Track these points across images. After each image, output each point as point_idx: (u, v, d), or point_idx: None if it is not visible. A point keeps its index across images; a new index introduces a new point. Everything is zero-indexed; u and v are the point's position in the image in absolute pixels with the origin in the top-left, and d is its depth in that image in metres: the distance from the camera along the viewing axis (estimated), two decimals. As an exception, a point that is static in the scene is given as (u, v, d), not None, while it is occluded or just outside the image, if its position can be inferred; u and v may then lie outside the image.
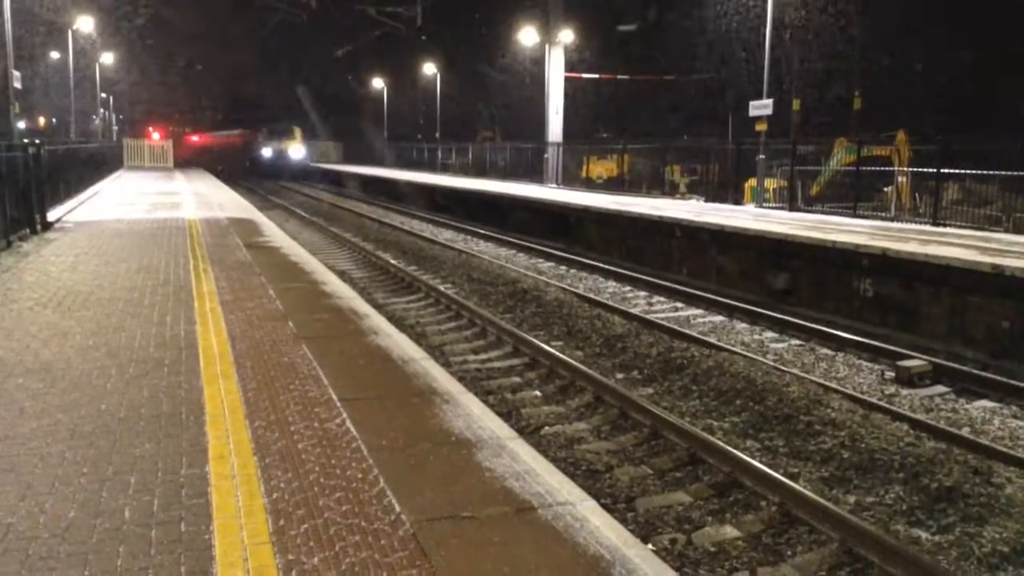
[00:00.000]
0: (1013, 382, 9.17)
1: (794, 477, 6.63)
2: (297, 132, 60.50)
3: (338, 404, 5.44)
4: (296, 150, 59.52)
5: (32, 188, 14.99)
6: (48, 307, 8.40)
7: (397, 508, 3.96)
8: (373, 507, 3.97)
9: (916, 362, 9.77)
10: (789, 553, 5.60)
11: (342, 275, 15.06)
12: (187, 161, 57.81)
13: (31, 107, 48.90)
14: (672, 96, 44.36)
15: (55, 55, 45.09)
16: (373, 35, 54.42)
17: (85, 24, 39.58)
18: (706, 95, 41.88)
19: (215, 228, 15.98)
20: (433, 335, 11.35)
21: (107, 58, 50.62)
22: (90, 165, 28.74)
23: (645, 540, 5.59)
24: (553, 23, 31.09)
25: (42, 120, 58.12)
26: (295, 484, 4.21)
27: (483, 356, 10.34)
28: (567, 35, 31.80)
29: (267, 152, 59.41)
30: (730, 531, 5.84)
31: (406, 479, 4.30)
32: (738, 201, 23.38)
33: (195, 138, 73.03)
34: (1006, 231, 16.19)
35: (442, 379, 6.10)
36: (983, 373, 9.60)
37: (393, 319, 11.47)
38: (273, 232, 15.87)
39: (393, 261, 17.54)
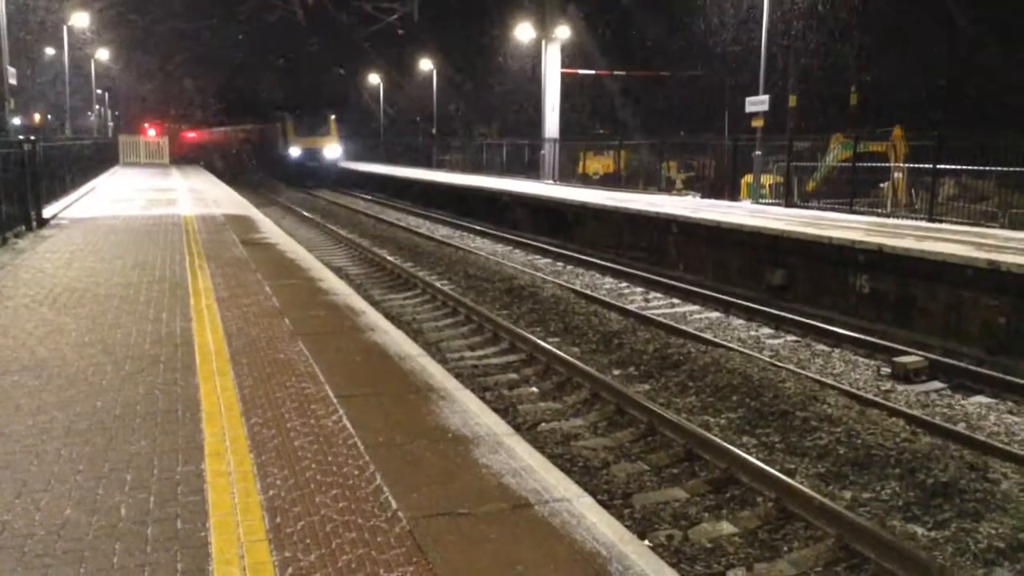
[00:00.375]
0: (1009, 378, 9.18)
1: (790, 473, 6.64)
2: (333, 125, 45.86)
3: (335, 401, 5.44)
4: (332, 149, 44.91)
5: (27, 185, 14.96)
6: (44, 304, 8.38)
7: (394, 505, 3.96)
8: (370, 504, 3.97)
9: (912, 358, 9.78)
10: (785, 549, 5.61)
11: (339, 272, 15.05)
12: (183, 158, 57.45)
13: (26, 103, 48.79)
14: (669, 92, 44.34)
15: (51, 51, 44.98)
16: (369, 31, 54.38)
17: (80, 20, 39.45)
18: (703, 91, 41.87)
19: (211, 225, 15.95)
20: (430, 331, 11.34)
21: (102, 54, 50.48)
22: (85, 162, 28.68)
23: (642, 536, 5.59)
24: (549, 19, 31.06)
25: (37, 116, 58.01)
26: (291, 481, 4.20)
27: (480, 352, 10.34)
28: (563, 31, 31.77)
29: (295, 151, 43.97)
30: (726, 527, 5.84)
31: (403, 476, 4.29)
32: (734, 197, 23.39)
33: (191, 134, 72.85)
34: (1002, 227, 16.21)
35: (439, 376, 6.10)
36: (979, 369, 9.61)
37: (390, 316, 11.47)
38: (269, 228, 15.85)
39: (390, 257, 17.53)
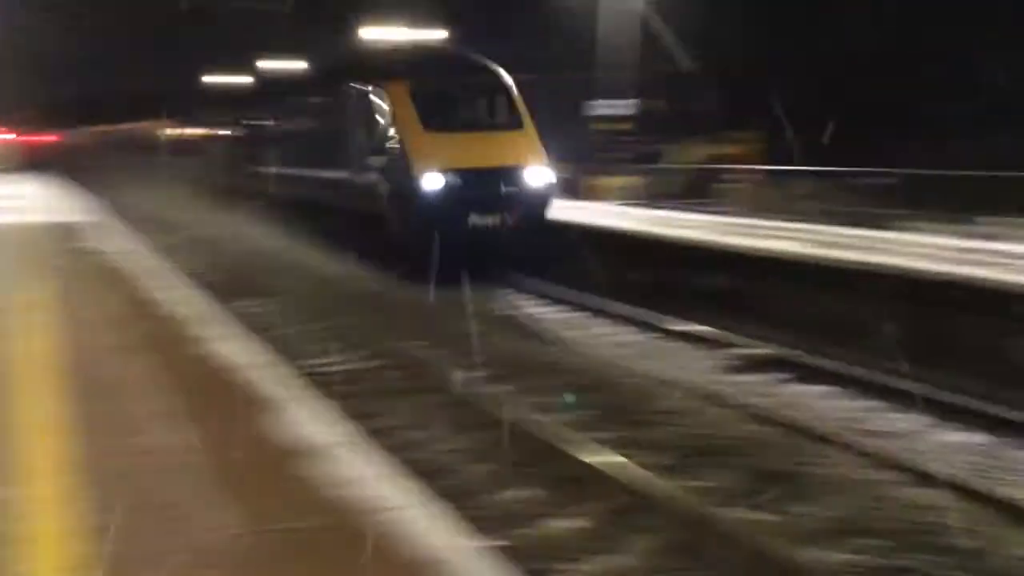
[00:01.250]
0: (840, 368, 9.63)
1: (636, 466, 6.74)
2: (519, 104, 15.78)
3: (164, 417, 5.22)
4: (535, 170, 14.72)
5: None
6: None
7: (224, 522, 3.83)
8: (199, 522, 3.84)
9: (753, 351, 10.18)
10: (629, 541, 5.69)
11: (190, 278, 14.45)
12: (43, 164, 52.94)
13: None
14: (535, 95, 44.55)
15: None
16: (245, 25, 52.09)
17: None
18: (569, 95, 42.22)
19: (52, 234, 15.07)
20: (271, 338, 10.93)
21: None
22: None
23: (483, 538, 5.57)
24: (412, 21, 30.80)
25: None
26: (117, 504, 3.98)
27: (327, 359, 10.06)
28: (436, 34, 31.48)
29: (431, 182, 13.91)
30: (571, 523, 5.90)
31: (236, 491, 4.17)
32: (591, 198, 23.68)
33: (50, 138, 67.84)
34: (842, 225, 16.99)
35: (273, 386, 5.91)
36: (815, 361, 10.01)
37: (232, 323, 11.05)
38: (110, 236, 15.06)
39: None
